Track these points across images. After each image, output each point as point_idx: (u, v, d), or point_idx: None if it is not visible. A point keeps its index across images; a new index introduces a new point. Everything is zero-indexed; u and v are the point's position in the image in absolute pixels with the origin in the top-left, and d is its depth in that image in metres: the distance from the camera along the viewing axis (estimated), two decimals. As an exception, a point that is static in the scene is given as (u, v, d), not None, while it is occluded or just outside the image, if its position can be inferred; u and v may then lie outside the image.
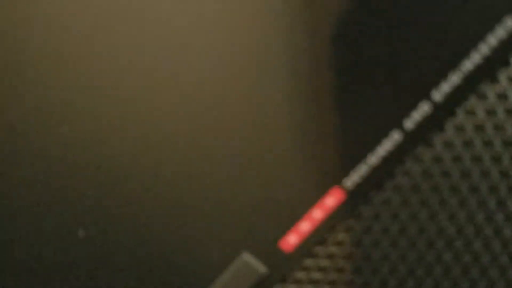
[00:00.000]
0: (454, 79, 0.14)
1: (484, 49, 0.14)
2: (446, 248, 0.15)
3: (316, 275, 0.16)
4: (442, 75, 0.14)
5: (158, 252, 0.16)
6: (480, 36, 0.14)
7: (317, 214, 0.15)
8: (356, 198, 0.15)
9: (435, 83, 0.14)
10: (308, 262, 0.16)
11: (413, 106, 0.14)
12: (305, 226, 0.15)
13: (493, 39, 0.14)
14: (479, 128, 0.14)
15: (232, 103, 0.15)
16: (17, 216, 0.16)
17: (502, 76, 0.14)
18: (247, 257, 0.16)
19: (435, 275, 0.15)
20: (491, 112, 0.14)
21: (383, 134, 0.14)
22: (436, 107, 0.14)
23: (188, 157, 0.16)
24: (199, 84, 0.15)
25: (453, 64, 0.14)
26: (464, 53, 0.14)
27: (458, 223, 0.15)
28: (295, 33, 0.15)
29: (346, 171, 0.15)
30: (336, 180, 0.15)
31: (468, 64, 0.14)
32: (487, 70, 0.14)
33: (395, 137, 0.14)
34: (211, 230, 0.16)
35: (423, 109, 0.14)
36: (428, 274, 0.15)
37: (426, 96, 0.14)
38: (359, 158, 0.15)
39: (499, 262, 0.15)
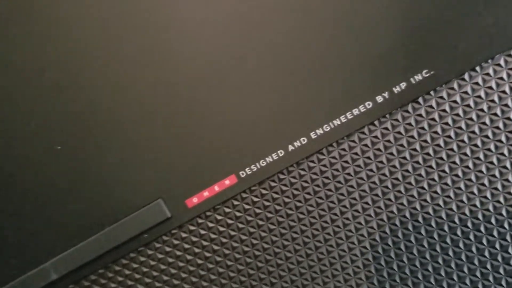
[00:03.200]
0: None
1: None
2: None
3: (201, 232, 0.24)
4: None
5: (104, 179, 0.23)
6: None
7: (216, 188, 0.23)
8: (244, 186, 0.23)
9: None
10: (200, 220, 0.24)
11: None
12: (206, 194, 0.23)
13: None
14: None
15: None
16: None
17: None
18: (161, 203, 0.23)
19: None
20: None
21: (274, 149, 0.23)
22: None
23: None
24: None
25: None
26: None
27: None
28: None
29: (243, 167, 0.23)
30: (235, 170, 0.23)
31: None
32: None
33: (280, 152, 0.23)
34: (145, 180, 0.23)
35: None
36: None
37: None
38: (253, 161, 0.23)
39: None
